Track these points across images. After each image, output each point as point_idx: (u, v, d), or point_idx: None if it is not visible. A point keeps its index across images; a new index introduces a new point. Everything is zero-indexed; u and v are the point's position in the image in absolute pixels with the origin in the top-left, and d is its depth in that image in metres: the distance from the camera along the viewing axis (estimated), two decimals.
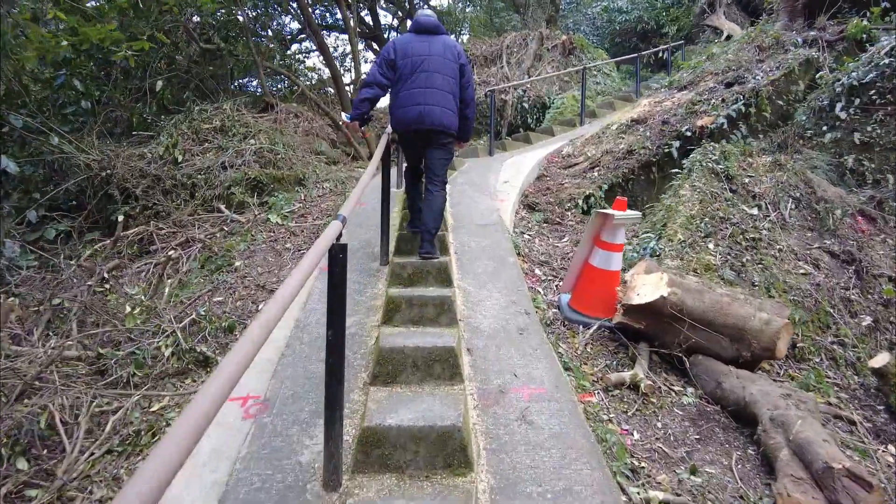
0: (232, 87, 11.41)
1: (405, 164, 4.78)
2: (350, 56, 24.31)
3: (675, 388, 3.15)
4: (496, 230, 5.21)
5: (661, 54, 20.21)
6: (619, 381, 3.06)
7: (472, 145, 9.63)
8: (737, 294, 3.26)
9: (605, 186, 6.38)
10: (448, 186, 6.61)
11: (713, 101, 7.01)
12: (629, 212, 3.65)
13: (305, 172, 7.61)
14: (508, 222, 5.57)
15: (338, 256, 2.09)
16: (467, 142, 4.64)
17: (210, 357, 3.37)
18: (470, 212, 5.69)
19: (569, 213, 6.12)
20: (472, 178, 6.89)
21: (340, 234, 2.13)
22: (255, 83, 13.54)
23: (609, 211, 3.63)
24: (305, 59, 18.33)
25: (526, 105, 13.43)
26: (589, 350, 3.36)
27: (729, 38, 18.19)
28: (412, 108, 3.90)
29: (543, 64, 14.67)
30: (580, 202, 6.21)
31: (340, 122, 12.67)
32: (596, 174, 6.64)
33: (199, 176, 7.16)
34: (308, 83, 15.82)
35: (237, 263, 5.09)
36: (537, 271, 4.65)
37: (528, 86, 13.85)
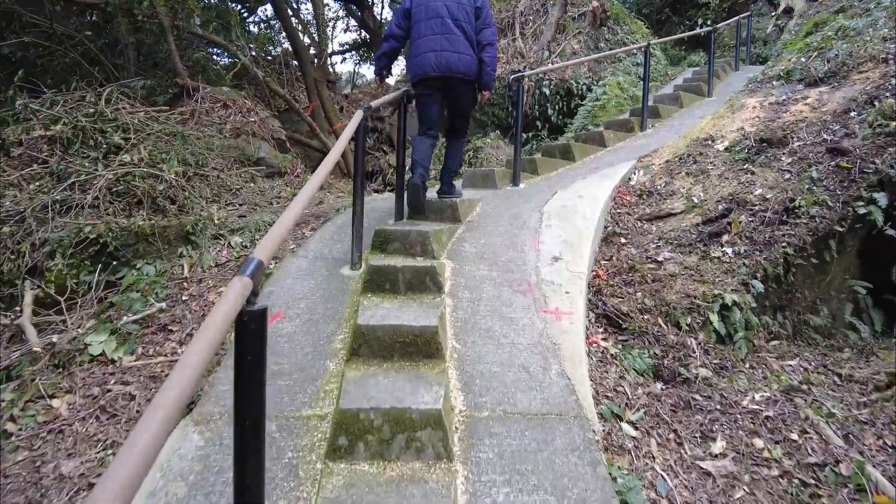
0: (140, 61, 8.07)
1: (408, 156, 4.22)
2: (330, 23, 20.81)
3: None
4: (569, 444, 2.15)
5: (699, 29, 16.99)
6: None
7: (487, 165, 6.48)
8: None
9: (759, 284, 3.29)
10: (448, 265, 3.53)
11: None
12: None
13: (202, 217, 4.43)
14: (584, 387, 2.51)
15: None
16: (489, 90, 4.05)
17: None
18: (499, 362, 2.61)
19: (693, 342, 3.06)
20: (490, 244, 3.77)
21: None
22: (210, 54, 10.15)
23: None
24: (268, 25, 14.87)
25: (546, 91, 10.27)
26: None
27: (788, 11, 14.93)
28: (428, 55, 3.74)
29: (568, 37, 11.40)
30: (713, 316, 3.14)
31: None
32: (729, 251, 3.53)
33: (4, 229, 3.99)
34: (266, 56, 12.53)
35: None
36: None
37: (550, 65, 10.66)
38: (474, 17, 3.81)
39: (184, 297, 3.62)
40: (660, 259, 3.73)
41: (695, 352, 3.00)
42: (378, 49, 4.10)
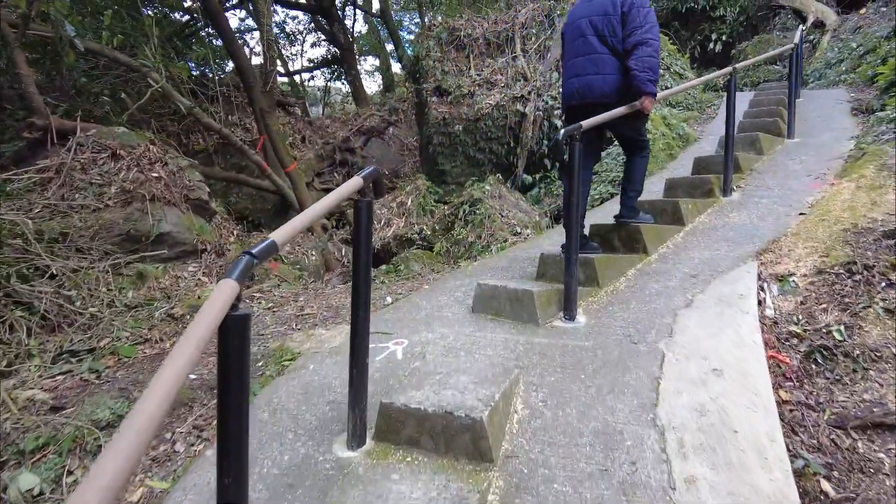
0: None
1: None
2: (299, 37, 18.53)
3: None
4: None
5: (712, 46, 15.29)
6: None
7: (499, 234, 4.34)
8: None
9: None
10: None
11: None
12: None
13: None
14: None
15: None
16: (646, 94, 3.20)
17: None
18: None
19: None
20: None
21: None
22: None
23: None
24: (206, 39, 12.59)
25: (558, 123, 8.22)
26: None
27: (818, 25, 13.22)
28: (573, 81, 3.38)
29: None
30: None
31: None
32: None
33: None
34: (218, 75, 10.36)
35: None
36: None
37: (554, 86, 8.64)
38: (622, 23, 3.16)
39: None
40: None
41: None
42: None
